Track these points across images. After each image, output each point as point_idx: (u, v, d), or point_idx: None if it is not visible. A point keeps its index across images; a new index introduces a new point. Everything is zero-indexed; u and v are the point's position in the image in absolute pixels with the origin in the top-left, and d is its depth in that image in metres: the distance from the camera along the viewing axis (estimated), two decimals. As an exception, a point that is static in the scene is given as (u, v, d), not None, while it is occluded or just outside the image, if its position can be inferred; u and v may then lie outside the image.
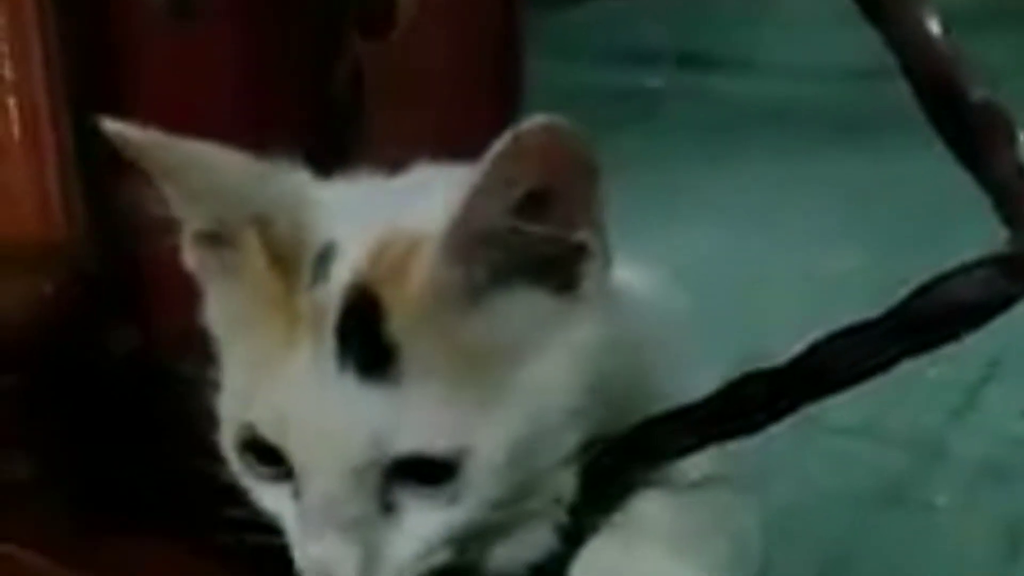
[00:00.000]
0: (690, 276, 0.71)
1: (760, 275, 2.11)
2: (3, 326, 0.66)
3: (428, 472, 0.56)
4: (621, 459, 0.57)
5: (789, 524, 1.31)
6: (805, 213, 2.38)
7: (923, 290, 0.46)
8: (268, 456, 0.59)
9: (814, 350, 0.50)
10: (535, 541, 0.60)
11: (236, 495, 0.61)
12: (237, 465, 0.61)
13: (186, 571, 0.63)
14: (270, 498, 0.60)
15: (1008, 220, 0.44)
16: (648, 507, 0.61)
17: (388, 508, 0.57)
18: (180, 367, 0.70)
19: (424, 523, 0.57)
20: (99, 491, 0.67)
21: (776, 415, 0.52)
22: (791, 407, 0.51)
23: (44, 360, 0.68)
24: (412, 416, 0.55)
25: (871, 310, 0.50)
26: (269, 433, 0.58)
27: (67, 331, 0.68)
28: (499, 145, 0.52)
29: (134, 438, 0.70)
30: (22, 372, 0.67)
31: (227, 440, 0.61)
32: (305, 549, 0.58)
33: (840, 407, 1.66)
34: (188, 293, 0.65)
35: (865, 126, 2.90)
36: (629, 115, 3.04)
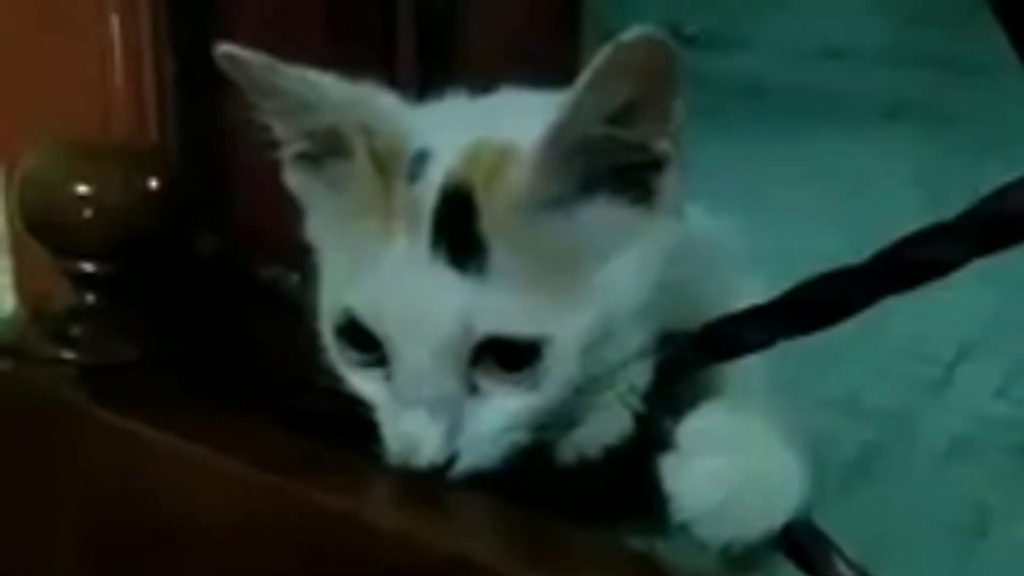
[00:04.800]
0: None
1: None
2: (108, 217, 0.69)
3: (511, 357, 0.60)
4: (695, 354, 0.61)
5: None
6: (784, 193, 2.38)
7: (1000, 192, 0.49)
8: (363, 343, 0.63)
9: (892, 250, 0.52)
10: (611, 426, 0.64)
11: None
12: (334, 352, 0.65)
13: (268, 439, 0.67)
14: (363, 383, 0.64)
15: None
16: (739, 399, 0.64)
17: (473, 390, 0.61)
18: (261, 272, 0.76)
19: (506, 405, 0.61)
20: (199, 372, 0.71)
21: (847, 313, 0.55)
22: (862, 305, 0.54)
23: (143, 253, 0.71)
24: (496, 304, 0.59)
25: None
26: (366, 316, 0.62)
27: (164, 228, 0.72)
28: (601, 56, 0.55)
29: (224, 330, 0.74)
30: (123, 263, 0.70)
31: (326, 328, 0.65)
32: (394, 425, 0.62)
33: (821, 381, 1.68)
34: (268, 207, 0.69)
35: (842, 106, 2.92)
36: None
